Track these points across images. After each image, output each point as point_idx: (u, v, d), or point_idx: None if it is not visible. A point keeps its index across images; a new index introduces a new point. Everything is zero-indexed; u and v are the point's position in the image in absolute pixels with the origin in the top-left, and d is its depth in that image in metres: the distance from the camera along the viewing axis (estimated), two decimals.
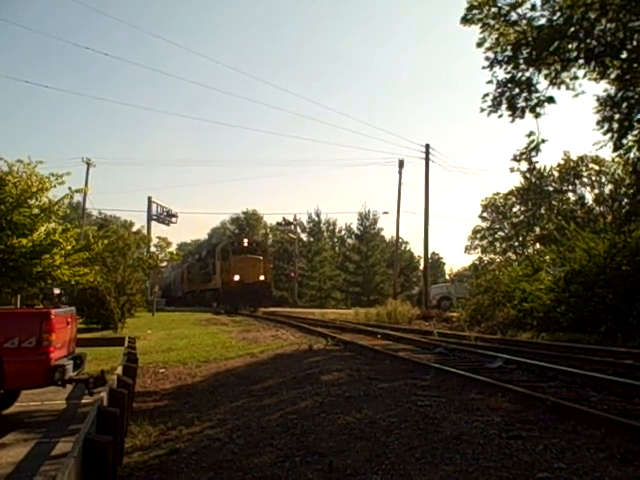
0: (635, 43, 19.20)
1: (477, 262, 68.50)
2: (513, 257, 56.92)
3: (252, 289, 44.40)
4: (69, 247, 19.05)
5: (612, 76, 20.16)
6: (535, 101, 20.88)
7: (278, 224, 72.38)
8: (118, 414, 5.50)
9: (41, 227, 18.76)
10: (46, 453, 7.38)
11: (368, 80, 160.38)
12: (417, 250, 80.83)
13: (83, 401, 10.50)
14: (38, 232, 18.54)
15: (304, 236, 77.28)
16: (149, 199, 58.07)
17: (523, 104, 20.95)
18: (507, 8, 20.27)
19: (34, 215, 18.37)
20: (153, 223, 58.05)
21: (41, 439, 8.10)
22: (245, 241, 50.91)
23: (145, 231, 55.11)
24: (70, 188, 20.24)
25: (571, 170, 59.68)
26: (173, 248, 54.11)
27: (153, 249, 49.29)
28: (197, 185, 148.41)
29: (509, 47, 20.53)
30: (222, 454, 7.01)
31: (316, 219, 78.64)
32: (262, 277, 46.44)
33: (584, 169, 59.70)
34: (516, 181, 60.22)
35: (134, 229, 65.52)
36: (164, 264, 51.21)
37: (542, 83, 20.96)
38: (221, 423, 8.74)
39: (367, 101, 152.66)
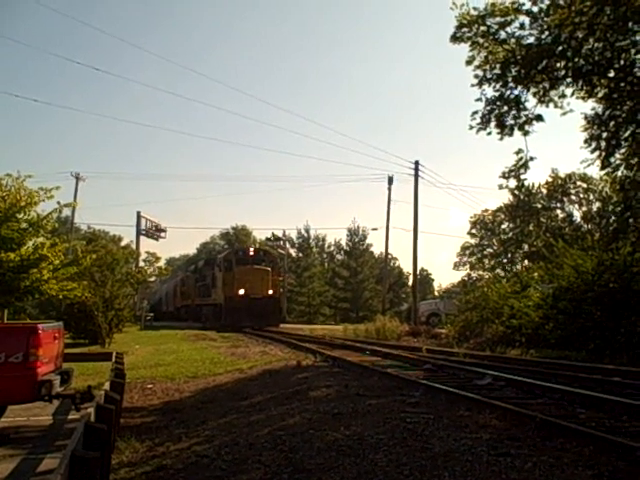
0: (622, 62, 19.37)
1: (466, 278, 68.86)
2: (502, 274, 57.10)
3: (259, 305, 39.65)
4: (57, 261, 18.95)
5: (600, 95, 20.32)
6: (523, 119, 21.00)
7: (267, 239, 72.22)
8: (105, 430, 5.47)
9: (29, 241, 18.67)
10: (32, 469, 7.32)
11: (359, 95, 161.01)
12: (406, 266, 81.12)
13: (70, 417, 10.42)
14: (26, 246, 18.45)
15: (293, 252, 77.27)
16: (138, 214, 57.89)
17: (512, 122, 21.07)
18: (496, 27, 20.40)
19: (22, 229, 18.29)
20: (142, 238, 57.82)
21: (27, 455, 8.03)
22: (251, 250, 45.99)
23: (134, 246, 54.81)
24: (59, 202, 20.17)
25: (559, 188, 60.14)
26: (162, 263, 53.08)
27: (142, 264, 48.37)
28: (187, 200, 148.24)
29: (498, 65, 20.66)
30: (210, 471, 6.97)
31: (305, 235, 78.74)
32: (270, 291, 41.49)
33: (572, 187, 60.20)
34: (505, 198, 60.56)
35: (123, 244, 65.37)
36: (153, 279, 50.20)
37: (530, 101, 21.12)
38: (209, 439, 8.69)
39: (357, 117, 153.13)
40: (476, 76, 21.23)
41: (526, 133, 21.13)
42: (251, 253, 44.50)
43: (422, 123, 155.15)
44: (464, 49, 21.42)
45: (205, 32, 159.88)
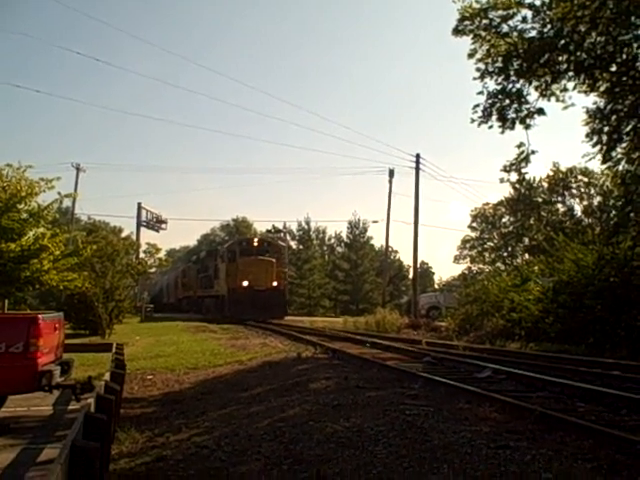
0: (624, 56, 19.29)
1: (466, 272, 68.89)
2: (502, 267, 57.09)
3: (263, 297, 38.68)
4: (58, 252, 18.97)
5: (601, 89, 20.22)
6: (525, 112, 20.91)
7: (268, 231, 72.21)
8: (105, 420, 5.48)
9: (30, 232, 18.69)
10: (32, 459, 7.31)
11: (359, 93, 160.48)
12: (406, 259, 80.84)
13: (70, 407, 10.42)
14: (27, 237, 18.46)
15: (294, 244, 77.20)
16: (139, 205, 57.78)
17: (513, 115, 20.98)
18: (498, 20, 20.30)
19: (23, 220, 18.30)
20: (142, 229, 57.69)
21: (27, 445, 8.03)
22: (255, 240, 44.78)
23: (134, 237, 54.60)
24: (59, 193, 20.22)
25: (560, 181, 60.04)
26: (162, 254, 52.45)
27: (142, 255, 47.90)
28: (188, 192, 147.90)
29: (500, 58, 20.57)
30: (209, 462, 6.98)
31: (306, 227, 78.62)
32: (275, 283, 40.56)
33: (573, 181, 60.10)
34: (506, 192, 60.45)
35: (123, 235, 65.25)
36: (153, 270, 49.93)
37: (532, 94, 20.99)
38: (209, 430, 8.71)
39: (358, 114, 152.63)
40: (478, 69, 21.16)
41: (528, 127, 21.06)
42: (255, 244, 43.46)
43: (422, 120, 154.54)
44: (464, 46, 21.35)
45: (205, 29, 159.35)
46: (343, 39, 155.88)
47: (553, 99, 20.99)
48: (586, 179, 58.62)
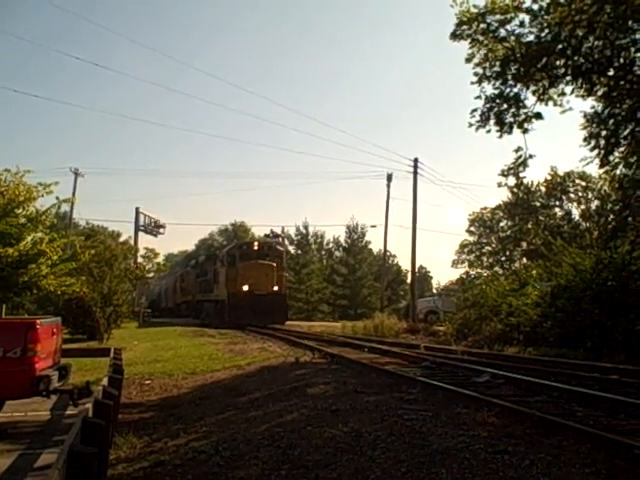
0: (622, 60, 19.33)
1: (464, 276, 68.92)
2: (500, 271, 57.12)
3: (264, 302, 37.57)
4: (56, 257, 18.94)
5: (599, 93, 20.26)
6: (523, 117, 20.93)
7: (266, 236, 72.10)
8: (103, 425, 5.47)
9: (28, 236, 18.66)
10: (30, 465, 7.31)
11: (358, 94, 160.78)
12: (405, 263, 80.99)
13: (68, 412, 10.41)
14: (25, 242, 18.43)
15: (292, 248, 77.14)
16: (137, 210, 57.78)
17: (511, 119, 21.00)
18: (496, 24, 20.34)
19: (21, 224, 18.28)
20: (141, 234, 57.66)
21: (25, 450, 8.02)
22: (255, 244, 43.46)
23: (132, 242, 54.55)
24: (58, 198, 20.18)
25: (558, 186, 60.09)
26: (160, 259, 52.04)
27: (140, 260, 47.60)
28: (186, 196, 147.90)
29: (497, 63, 20.61)
30: (207, 467, 6.97)
31: (304, 231, 78.62)
32: (276, 287, 39.39)
33: (571, 185, 60.14)
34: (503, 196, 60.54)
35: (121, 239, 65.18)
36: (151, 275, 49.69)
37: (530, 99, 21.03)
38: (207, 435, 8.70)
39: (357, 115, 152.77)
40: (476, 74, 21.18)
41: (525, 131, 21.08)
42: (255, 247, 42.21)
43: (421, 124, 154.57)
44: (463, 48, 21.38)
45: (204, 31, 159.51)
46: (342, 42, 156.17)
47: (551, 103, 21.04)
48: (584, 183, 58.69)
